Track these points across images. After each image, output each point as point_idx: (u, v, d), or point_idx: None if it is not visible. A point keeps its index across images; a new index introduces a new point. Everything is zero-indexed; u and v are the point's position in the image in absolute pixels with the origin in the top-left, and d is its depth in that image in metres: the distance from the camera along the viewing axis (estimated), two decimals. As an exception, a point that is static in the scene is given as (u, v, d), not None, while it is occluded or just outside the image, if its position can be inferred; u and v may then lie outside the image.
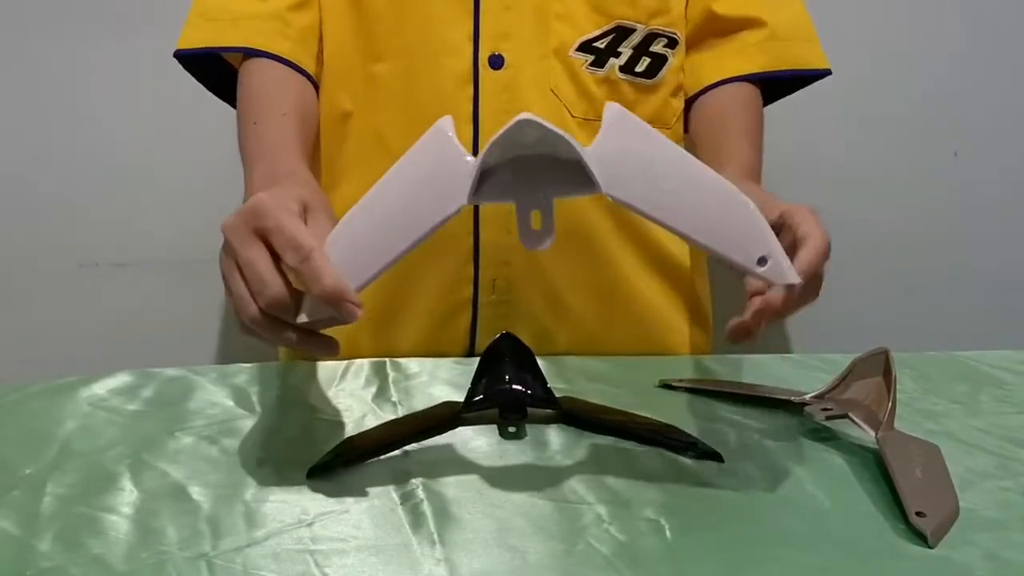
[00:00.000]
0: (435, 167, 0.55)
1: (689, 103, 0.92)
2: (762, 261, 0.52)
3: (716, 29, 0.90)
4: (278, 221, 0.52)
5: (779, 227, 0.62)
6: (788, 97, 0.94)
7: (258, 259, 0.52)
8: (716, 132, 0.87)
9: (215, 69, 0.87)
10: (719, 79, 0.90)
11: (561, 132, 0.53)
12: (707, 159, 0.83)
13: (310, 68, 0.85)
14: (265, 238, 0.53)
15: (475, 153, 0.81)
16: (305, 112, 0.82)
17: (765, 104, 0.93)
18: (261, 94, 0.81)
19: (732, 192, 0.54)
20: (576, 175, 0.54)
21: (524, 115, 0.52)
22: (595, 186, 0.53)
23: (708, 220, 0.53)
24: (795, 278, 0.53)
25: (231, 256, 0.54)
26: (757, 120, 0.89)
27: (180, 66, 0.86)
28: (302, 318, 0.53)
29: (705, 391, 0.76)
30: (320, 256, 0.51)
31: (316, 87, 0.86)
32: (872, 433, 0.65)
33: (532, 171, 0.56)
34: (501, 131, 0.54)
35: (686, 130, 0.93)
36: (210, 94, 0.90)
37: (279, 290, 0.51)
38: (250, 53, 0.83)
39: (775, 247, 0.53)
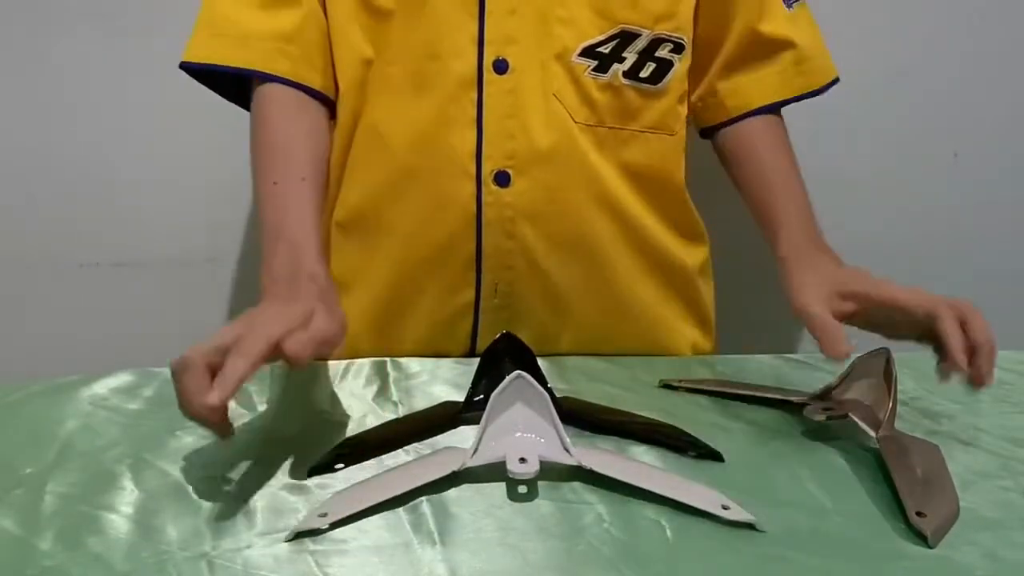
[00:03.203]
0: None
1: (718, 126, 0.93)
2: (724, 508, 0.57)
3: (757, 50, 0.91)
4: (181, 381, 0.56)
5: (929, 321, 0.68)
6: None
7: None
8: (770, 205, 0.87)
9: (221, 75, 0.87)
10: (762, 104, 0.91)
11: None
12: (764, 219, 0.87)
13: (316, 83, 0.84)
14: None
15: (478, 156, 0.81)
16: (319, 152, 0.83)
17: None
18: (276, 144, 0.81)
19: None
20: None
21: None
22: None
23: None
24: (750, 517, 0.57)
25: None
26: (797, 170, 0.91)
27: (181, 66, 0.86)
28: None
29: (705, 391, 0.76)
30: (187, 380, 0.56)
31: (324, 100, 0.85)
32: (873, 433, 0.65)
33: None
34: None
35: (712, 146, 0.94)
36: (210, 95, 0.90)
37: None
38: (251, 75, 0.83)
39: (730, 501, 0.58)
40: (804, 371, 0.82)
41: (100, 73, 1.13)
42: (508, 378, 0.62)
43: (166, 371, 0.76)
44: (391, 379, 0.77)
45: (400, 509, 0.57)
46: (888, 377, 0.69)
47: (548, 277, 0.86)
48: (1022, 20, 1.25)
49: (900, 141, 1.26)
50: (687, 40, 0.88)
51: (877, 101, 1.23)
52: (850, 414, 0.67)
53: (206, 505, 0.57)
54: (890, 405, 0.67)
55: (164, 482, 0.60)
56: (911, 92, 1.24)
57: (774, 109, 0.93)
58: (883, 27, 1.22)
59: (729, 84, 0.92)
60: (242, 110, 0.90)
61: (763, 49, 0.91)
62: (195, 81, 0.88)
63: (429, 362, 0.80)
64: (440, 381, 0.77)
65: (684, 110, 0.90)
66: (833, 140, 1.23)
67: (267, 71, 0.82)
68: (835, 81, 0.94)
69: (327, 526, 0.54)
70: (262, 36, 0.83)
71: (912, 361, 0.84)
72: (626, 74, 0.85)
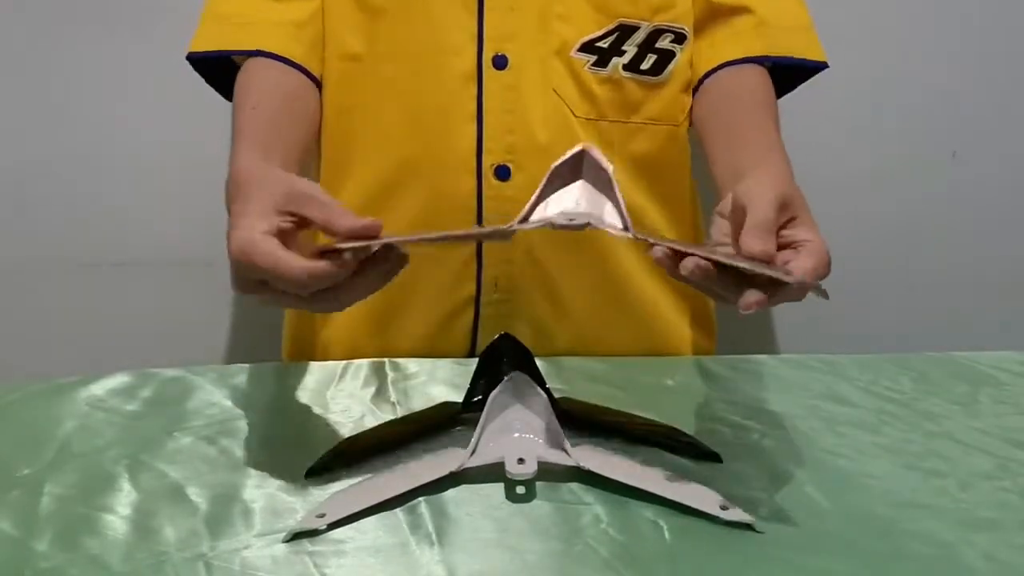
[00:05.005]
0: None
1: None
2: (723, 508, 0.57)
3: (711, 16, 0.88)
4: (270, 264, 0.56)
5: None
6: (787, 95, 0.94)
7: (278, 293, 0.57)
8: (725, 112, 0.83)
9: (225, 72, 0.87)
10: (716, 64, 0.87)
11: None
12: (720, 142, 0.81)
13: (319, 73, 0.85)
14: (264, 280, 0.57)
15: (478, 151, 0.82)
16: (302, 104, 0.83)
17: None
18: (260, 84, 0.81)
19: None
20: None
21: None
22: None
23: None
24: (749, 518, 0.57)
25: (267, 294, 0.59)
26: (769, 98, 0.85)
27: (181, 66, 0.86)
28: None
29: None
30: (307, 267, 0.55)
31: (320, 90, 0.86)
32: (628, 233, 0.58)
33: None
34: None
35: (691, 124, 0.92)
36: (211, 96, 0.90)
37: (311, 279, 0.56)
38: (263, 56, 0.83)
39: (728, 502, 0.58)
40: (804, 371, 0.82)
41: (100, 73, 1.13)
42: (506, 379, 0.62)
43: (164, 372, 0.77)
44: (389, 380, 0.77)
45: (398, 510, 0.57)
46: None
47: (548, 271, 0.86)
48: (1022, 20, 1.25)
49: (900, 140, 1.25)
50: (688, 29, 0.87)
51: (877, 101, 1.23)
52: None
53: (203, 506, 0.57)
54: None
55: (161, 483, 0.60)
56: (911, 92, 1.24)
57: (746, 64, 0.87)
58: (884, 25, 1.22)
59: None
60: (243, 111, 0.90)
61: (714, 14, 0.87)
62: (196, 82, 0.88)
63: (427, 362, 0.80)
64: (438, 382, 0.77)
65: (688, 99, 0.89)
66: (833, 139, 1.23)
67: (279, 53, 0.83)
68: (820, 66, 0.88)
69: (325, 527, 0.54)
70: (272, 22, 0.83)
71: (912, 361, 0.84)
72: (626, 67, 0.85)
